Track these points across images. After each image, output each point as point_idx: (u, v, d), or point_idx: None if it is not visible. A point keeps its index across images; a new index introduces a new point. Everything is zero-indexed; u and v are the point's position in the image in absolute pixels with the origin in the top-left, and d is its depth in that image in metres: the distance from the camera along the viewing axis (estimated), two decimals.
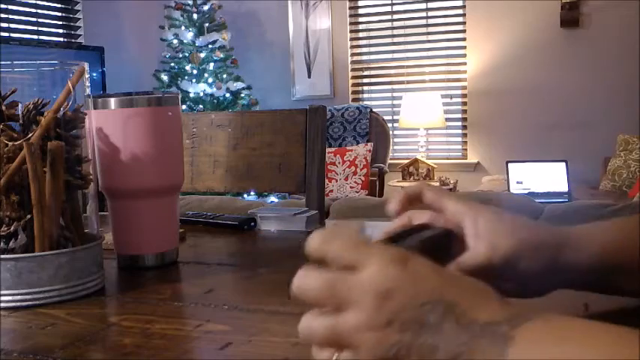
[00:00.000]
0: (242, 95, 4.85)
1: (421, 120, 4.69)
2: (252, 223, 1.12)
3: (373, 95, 5.24)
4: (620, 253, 0.59)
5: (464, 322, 0.42)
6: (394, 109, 5.07)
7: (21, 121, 0.73)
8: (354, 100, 5.20)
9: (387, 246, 0.47)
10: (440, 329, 0.42)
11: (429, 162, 4.64)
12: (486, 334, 0.41)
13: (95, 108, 0.84)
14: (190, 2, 4.78)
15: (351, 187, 4.42)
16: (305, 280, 0.45)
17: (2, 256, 0.69)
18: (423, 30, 5.06)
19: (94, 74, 4.07)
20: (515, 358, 0.40)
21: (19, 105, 0.74)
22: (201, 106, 4.67)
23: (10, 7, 4.10)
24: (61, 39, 4.52)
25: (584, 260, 0.58)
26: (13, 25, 4.15)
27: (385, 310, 0.42)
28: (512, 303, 0.44)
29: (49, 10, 4.42)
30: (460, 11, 4.92)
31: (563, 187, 4.01)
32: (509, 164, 4.12)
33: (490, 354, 0.40)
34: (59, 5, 4.48)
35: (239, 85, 4.83)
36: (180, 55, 4.79)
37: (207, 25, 4.78)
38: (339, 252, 0.45)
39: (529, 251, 0.57)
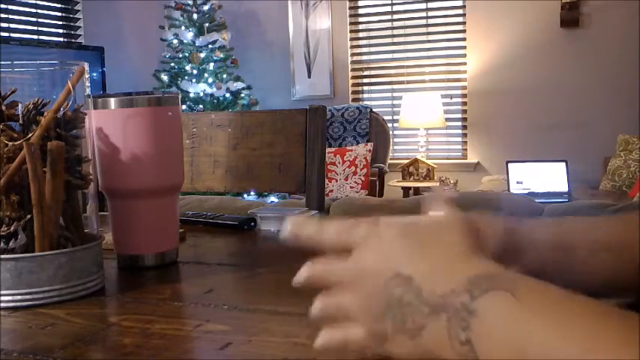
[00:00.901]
0: (242, 95, 4.85)
1: (421, 120, 4.69)
2: (252, 223, 1.12)
3: (373, 95, 5.24)
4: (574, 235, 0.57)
5: (424, 296, 0.42)
6: (394, 109, 5.07)
7: (21, 121, 0.73)
8: (354, 100, 5.20)
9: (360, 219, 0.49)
10: (404, 303, 0.43)
11: (429, 162, 4.64)
12: (446, 307, 0.41)
13: (95, 108, 0.84)
14: (190, 2, 4.78)
15: (351, 187, 4.42)
16: (307, 268, 0.51)
17: (2, 256, 0.69)
18: (423, 30, 5.06)
19: (94, 74, 4.07)
20: (478, 333, 0.39)
21: (19, 105, 0.74)
22: (201, 106, 4.68)
23: (10, 7, 4.10)
24: (61, 39, 4.52)
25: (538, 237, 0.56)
26: (13, 25, 4.15)
27: (365, 289, 0.46)
28: (480, 264, 0.43)
29: (49, 10, 4.42)
30: (460, 11, 4.92)
31: (563, 187, 4.01)
32: (509, 164, 4.12)
33: (453, 328, 0.40)
34: (59, 5, 4.48)
35: (239, 85, 4.83)
36: (180, 55, 4.79)
37: (207, 25, 4.78)
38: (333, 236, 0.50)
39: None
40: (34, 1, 4.29)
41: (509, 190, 4.02)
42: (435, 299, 0.42)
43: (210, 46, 4.79)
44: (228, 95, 4.79)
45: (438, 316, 0.41)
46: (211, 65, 4.77)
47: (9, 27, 4.11)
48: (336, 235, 0.49)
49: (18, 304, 0.69)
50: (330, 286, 0.48)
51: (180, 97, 0.91)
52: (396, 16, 5.11)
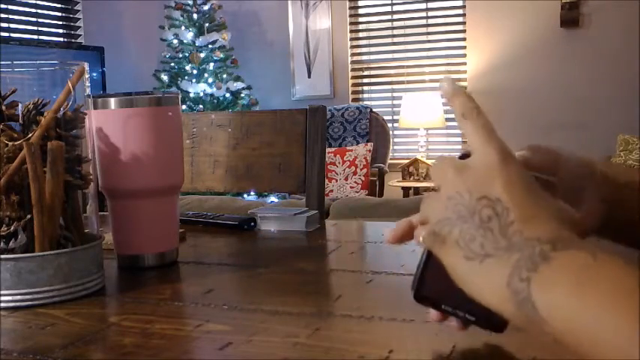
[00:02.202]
0: (242, 95, 4.85)
1: (421, 120, 4.69)
2: (252, 223, 1.12)
3: (373, 95, 5.24)
4: None
5: (510, 231, 0.43)
6: (394, 109, 5.07)
7: (21, 121, 0.73)
8: (354, 100, 5.20)
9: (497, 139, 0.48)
10: (486, 226, 0.43)
11: (429, 162, 4.64)
12: (523, 249, 0.41)
13: (95, 108, 0.84)
14: (190, 2, 4.78)
15: (351, 187, 4.41)
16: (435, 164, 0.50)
17: (2, 256, 0.69)
18: (423, 30, 5.06)
19: (94, 74, 4.07)
20: (543, 276, 0.39)
21: (19, 105, 0.74)
22: (201, 106, 4.68)
23: (10, 7, 4.10)
24: (61, 39, 4.52)
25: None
26: (13, 25, 4.15)
27: (451, 186, 0.46)
28: (572, 229, 0.43)
29: (49, 10, 4.42)
30: (460, 11, 4.92)
31: None
32: None
33: (519, 266, 0.41)
34: (59, 5, 4.48)
35: (239, 85, 4.83)
36: (180, 55, 4.79)
37: (207, 25, 4.78)
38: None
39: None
40: (34, 1, 4.29)
41: None
42: (518, 239, 0.42)
43: (210, 46, 4.79)
44: (228, 95, 4.79)
45: (510, 253, 0.42)
46: (211, 65, 4.77)
47: (9, 27, 4.11)
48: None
49: (18, 304, 0.69)
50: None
51: (180, 97, 0.91)
52: (396, 16, 5.11)
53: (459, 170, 0.46)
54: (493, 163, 0.45)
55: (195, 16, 4.78)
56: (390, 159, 4.86)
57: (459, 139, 4.99)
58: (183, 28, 4.78)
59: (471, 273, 0.44)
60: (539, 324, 0.39)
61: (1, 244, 0.71)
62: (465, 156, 0.49)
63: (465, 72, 4.90)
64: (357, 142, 4.72)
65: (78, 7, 4.57)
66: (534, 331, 0.40)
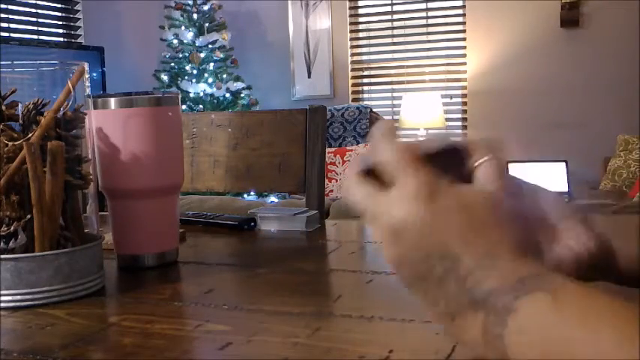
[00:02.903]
0: (242, 95, 4.85)
1: (421, 120, 4.69)
2: (252, 223, 1.12)
3: (373, 95, 5.23)
4: None
5: (467, 285, 0.41)
6: (394, 109, 5.07)
7: (21, 121, 0.73)
8: (354, 100, 5.20)
9: (425, 171, 0.44)
10: (443, 284, 0.42)
11: None
12: (486, 305, 0.40)
13: (95, 108, 0.84)
14: (190, 2, 4.78)
15: None
16: (351, 190, 0.46)
17: (2, 256, 0.69)
18: (423, 30, 5.06)
19: (94, 74, 4.07)
20: (512, 330, 0.38)
21: (19, 105, 0.74)
22: (201, 106, 4.67)
23: (10, 7, 4.10)
24: (61, 39, 4.52)
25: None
26: (13, 25, 4.15)
27: (395, 249, 0.43)
28: (528, 264, 0.41)
29: (49, 10, 4.42)
30: (460, 11, 4.92)
31: (563, 187, 4.01)
32: (509, 164, 4.12)
33: (488, 324, 0.40)
34: (59, 5, 4.48)
35: (239, 85, 4.83)
36: (180, 55, 4.79)
37: (207, 25, 4.78)
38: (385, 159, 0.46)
39: None
40: (34, 1, 4.29)
41: None
42: (479, 293, 0.40)
43: (210, 46, 4.79)
44: (228, 95, 4.79)
45: (475, 312, 0.41)
46: (211, 65, 4.77)
47: (9, 27, 4.11)
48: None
49: (18, 304, 0.69)
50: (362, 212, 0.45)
51: (180, 97, 0.91)
52: (396, 16, 5.11)
53: (395, 234, 0.43)
54: (424, 214, 0.42)
55: (195, 16, 4.78)
56: None
57: (459, 139, 4.98)
58: (183, 28, 4.78)
59: (447, 329, 0.43)
60: None
61: (1, 244, 0.71)
62: (369, 171, 0.46)
63: (464, 72, 4.90)
64: (357, 142, 4.72)
65: (78, 7, 4.57)
66: None
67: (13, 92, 0.75)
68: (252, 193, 4.03)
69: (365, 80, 5.25)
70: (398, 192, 0.43)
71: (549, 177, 4.08)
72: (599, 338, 0.35)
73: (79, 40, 4.57)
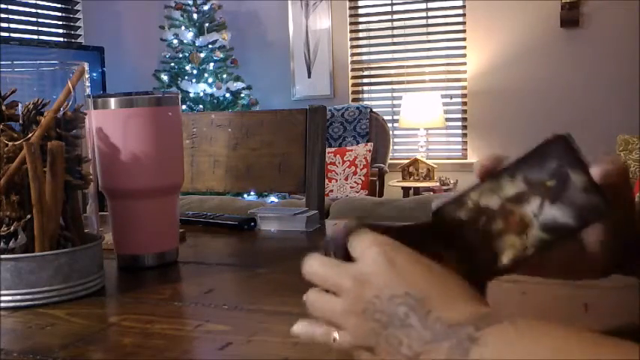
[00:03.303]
0: (242, 95, 4.85)
1: (421, 120, 4.69)
2: (252, 223, 1.12)
3: (373, 95, 5.23)
4: None
5: (429, 321, 0.43)
6: (394, 109, 5.06)
7: (21, 121, 0.73)
8: (354, 100, 5.20)
9: (376, 236, 0.48)
10: (406, 324, 0.43)
11: (429, 162, 4.64)
12: (450, 337, 0.41)
13: (95, 108, 0.84)
14: (190, 2, 4.78)
15: (351, 187, 4.41)
16: (310, 268, 0.49)
17: (2, 256, 0.69)
18: (423, 30, 5.06)
19: (94, 74, 4.07)
20: (476, 356, 0.40)
21: (19, 105, 0.74)
22: (201, 106, 4.67)
23: (10, 7, 4.10)
24: (61, 39, 4.52)
25: None
26: (13, 25, 4.15)
27: (362, 298, 0.45)
28: (484, 304, 0.45)
29: (49, 10, 4.42)
30: (460, 11, 4.92)
31: None
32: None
33: (452, 355, 0.41)
34: (59, 5, 4.48)
35: (239, 85, 4.83)
36: (180, 55, 4.79)
37: (207, 25, 4.78)
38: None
39: None
40: (34, 1, 4.29)
41: None
42: (440, 328, 0.42)
43: (210, 46, 4.79)
44: (228, 95, 4.79)
45: (439, 344, 0.42)
46: (211, 65, 4.77)
47: (9, 27, 4.11)
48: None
49: (18, 304, 0.69)
50: (329, 287, 0.48)
51: (180, 97, 0.91)
52: (396, 16, 5.11)
53: (358, 282, 0.46)
54: (380, 263, 0.45)
55: (195, 16, 4.78)
56: (390, 159, 4.86)
57: (459, 139, 4.99)
58: (183, 28, 4.78)
59: None
60: None
61: (1, 244, 0.71)
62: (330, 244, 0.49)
63: (464, 72, 4.90)
64: (357, 142, 4.72)
65: (78, 7, 4.57)
66: None
67: (13, 92, 0.75)
68: (252, 193, 4.03)
69: (365, 80, 5.25)
70: (362, 254, 0.47)
71: None
72: (563, 354, 0.38)
73: (79, 40, 4.57)
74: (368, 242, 0.47)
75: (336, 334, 0.47)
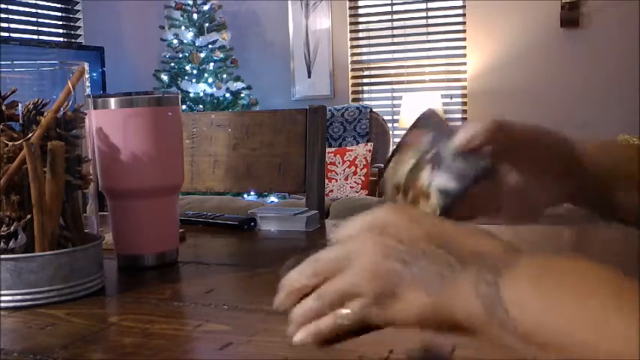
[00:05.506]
0: (242, 95, 4.85)
1: None
2: (252, 223, 1.12)
3: (373, 95, 5.23)
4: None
5: (462, 254, 0.42)
6: (394, 109, 5.06)
7: (21, 121, 0.73)
8: (354, 100, 5.20)
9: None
10: (436, 259, 0.42)
11: None
12: (482, 262, 0.41)
13: (95, 108, 0.84)
14: (190, 2, 4.78)
15: (351, 187, 4.41)
16: (319, 256, 0.48)
17: (2, 256, 0.69)
18: (423, 30, 5.06)
19: (94, 74, 4.07)
20: (508, 278, 0.39)
21: (19, 105, 0.74)
22: (201, 106, 4.67)
23: (10, 7, 4.10)
24: (61, 39, 4.51)
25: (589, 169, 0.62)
26: (13, 25, 4.15)
27: (378, 245, 0.44)
28: (503, 242, 0.44)
29: (49, 10, 4.42)
30: (460, 11, 4.92)
31: None
32: None
33: (481, 274, 0.40)
34: (59, 5, 4.48)
35: (239, 85, 4.83)
36: (180, 55, 4.79)
37: (207, 25, 4.78)
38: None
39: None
40: (34, 1, 4.29)
41: None
42: (472, 258, 0.42)
43: (210, 46, 4.79)
44: (228, 95, 4.79)
45: (469, 268, 0.41)
46: (211, 65, 4.77)
47: (9, 27, 4.11)
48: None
49: (18, 304, 0.69)
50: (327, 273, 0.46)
51: (180, 97, 0.91)
52: (396, 16, 5.11)
53: (377, 231, 0.45)
54: (402, 216, 0.45)
55: (195, 16, 4.78)
56: None
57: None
58: (183, 28, 4.78)
59: (438, 303, 0.42)
60: (513, 327, 0.38)
61: (1, 244, 0.71)
62: None
63: (465, 72, 4.90)
64: (357, 142, 4.72)
65: (78, 7, 4.57)
66: (510, 340, 0.39)
67: (13, 92, 0.75)
68: (252, 193, 4.03)
69: (365, 80, 5.25)
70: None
71: None
72: (586, 305, 0.37)
73: (79, 40, 4.57)
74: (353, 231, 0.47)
75: (344, 310, 0.45)
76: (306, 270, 0.48)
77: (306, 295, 0.47)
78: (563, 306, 0.37)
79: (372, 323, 0.44)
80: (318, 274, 0.47)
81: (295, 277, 0.48)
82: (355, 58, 5.24)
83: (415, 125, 0.57)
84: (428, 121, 0.58)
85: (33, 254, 0.70)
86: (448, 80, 5.00)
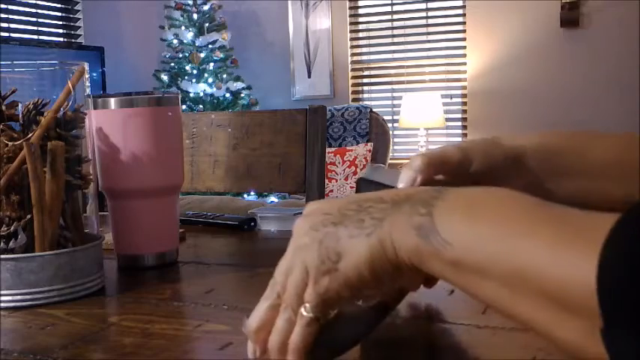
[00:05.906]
0: (242, 95, 4.85)
1: (421, 120, 4.69)
2: (252, 223, 1.12)
3: (373, 95, 5.23)
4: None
5: (386, 197, 0.45)
6: (394, 109, 5.06)
7: (21, 121, 0.73)
8: (354, 100, 5.20)
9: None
10: (365, 208, 0.45)
11: None
12: (411, 198, 0.43)
13: (95, 108, 0.84)
14: (190, 2, 4.78)
15: (351, 187, 4.41)
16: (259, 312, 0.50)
17: (2, 256, 0.69)
18: (423, 30, 5.06)
19: (94, 74, 4.07)
20: (441, 208, 0.41)
21: (19, 105, 0.74)
22: (201, 106, 4.67)
23: (10, 7, 4.10)
24: (61, 39, 4.51)
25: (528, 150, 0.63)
26: (13, 25, 4.15)
27: (310, 222, 0.47)
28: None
29: (49, 10, 4.42)
30: (460, 11, 4.92)
31: None
32: None
33: (415, 207, 0.42)
34: (59, 5, 4.48)
35: (239, 85, 4.83)
36: (180, 55, 4.79)
37: (207, 25, 4.78)
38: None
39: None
40: (34, 1, 4.29)
41: None
42: (399, 197, 0.44)
43: (210, 46, 4.79)
44: (228, 95, 4.79)
45: (399, 206, 0.43)
46: (211, 65, 4.77)
47: (9, 27, 4.11)
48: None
49: (18, 304, 0.69)
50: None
51: (180, 97, 0.91)
52: (396, 16, 5.11)
53: (307, 213, 0.49)
54: (324, 201, 0.49)
55: (195, 16, 4.78)
56: (390, 159, 4.86)
57: (459, 139, 4.98)
58: (183, 28, 4.78)
59: (379, 242, 0.43)
60: (448, 253, 0.40)
61: (1, 244, 0.71)
62: None
63: (465, 72, 4.90)
64: (357, 142, 4.72)
65: (78, 7, 4.57)
66: (445, 270, 0.40)
67: (13, 92, 0.75)
68: (252, 193, 4.03)
69: (365, 80, 5.25)
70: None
71: None
72: (509, 231, 0.38)
73: (79, 40, 4.57)
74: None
75: (303, 308, 0.46)
76: (271, 296, 0.50)
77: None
78: (491, 230, 0.38)
79: (333, 294, 0.45)
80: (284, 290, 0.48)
81: (255, 315, 0.50)
82: (355, 58, 5.24)
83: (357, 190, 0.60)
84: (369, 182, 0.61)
85: (33, 254, 0.70)
86: (448, 80, 5.00)
